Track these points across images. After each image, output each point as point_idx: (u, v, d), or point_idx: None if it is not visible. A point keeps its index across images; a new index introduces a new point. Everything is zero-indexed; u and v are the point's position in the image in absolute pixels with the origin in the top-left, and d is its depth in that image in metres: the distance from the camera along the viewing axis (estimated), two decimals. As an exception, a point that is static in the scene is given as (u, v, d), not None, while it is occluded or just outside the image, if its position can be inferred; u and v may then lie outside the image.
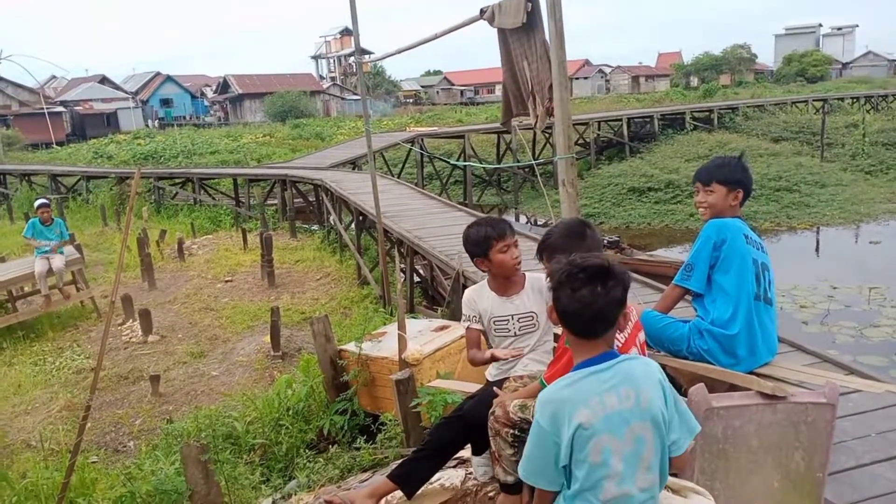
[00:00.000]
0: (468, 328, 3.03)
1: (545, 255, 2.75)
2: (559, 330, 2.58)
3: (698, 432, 2.07)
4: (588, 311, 1.94)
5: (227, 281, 12.21)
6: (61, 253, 10.30)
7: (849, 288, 12.03)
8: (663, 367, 3.24)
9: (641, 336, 2.84)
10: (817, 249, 16.10)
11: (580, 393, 1.91)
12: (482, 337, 3.05)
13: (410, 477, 2.99)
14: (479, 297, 3.03)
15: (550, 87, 4.30)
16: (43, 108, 47.81)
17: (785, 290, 12.00)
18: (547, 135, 23.57)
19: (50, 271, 10.03)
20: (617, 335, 2.68)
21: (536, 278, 2.97)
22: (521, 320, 2.96)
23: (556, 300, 2.01)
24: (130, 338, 9.57)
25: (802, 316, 10.85)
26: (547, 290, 2.65)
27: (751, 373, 3.08)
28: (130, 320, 10.04)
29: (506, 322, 2.97)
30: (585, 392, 1.91)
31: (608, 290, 1.94)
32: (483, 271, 3.03)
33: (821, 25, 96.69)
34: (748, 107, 33.40)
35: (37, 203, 10.70)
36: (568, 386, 1.95)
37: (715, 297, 3.13)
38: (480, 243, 2.94)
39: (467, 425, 2.92)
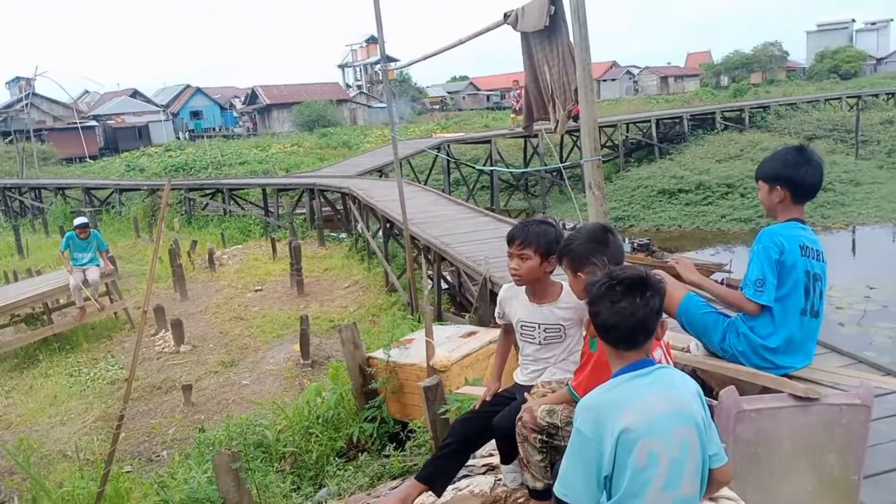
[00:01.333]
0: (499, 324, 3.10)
1: (566, 261, 2.69)
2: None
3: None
4: (628, 322, 1.93)
5: (256, 290, 12.32)
6: (97, 265, 10.43)
7: (886, 288, 11.75)
8: (694, 370, 3.22)
9: (670, 351, 2.81)
10: (853, 249, 15.76)
11: (624, 396, 1.89)
12: (509, 335, 3.08)
13: (437, 475, 2.97)
14: (512, 297, 2.98)
15: (576, 90, 4.27)
16: (76, 123, 48.84)
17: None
18: (574, 138, 23.45)
19: (85, 283, 10.19)
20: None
21: (572, 292, 2.81)
22: (547, 330, 2.89)
23: (595, 314, 2.00)
24: (163, 348, 9.70)
25: (839, 317, 10.62)
26: (583, 304, 2.65)
27: (783, 376, 3.00)
28: (163, 331, 10.17)
29: (532, 329, 2.91)
30: (629, 395, 1.89)
31: (647, 300, 1.93)
32: None
33: (854, 21, 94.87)
34: (780, 105, 32.84)
35: (78, 221, 10.76)
36: (610, 390, 1.94)
37: (764, 317, 2.94)
38: (507, 237, 2.94)
39: (497, 435, 2.88)
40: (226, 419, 6.93)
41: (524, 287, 2.91)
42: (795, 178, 2.90)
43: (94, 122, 53.86)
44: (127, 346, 9.87)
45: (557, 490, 1.98)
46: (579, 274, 2.61)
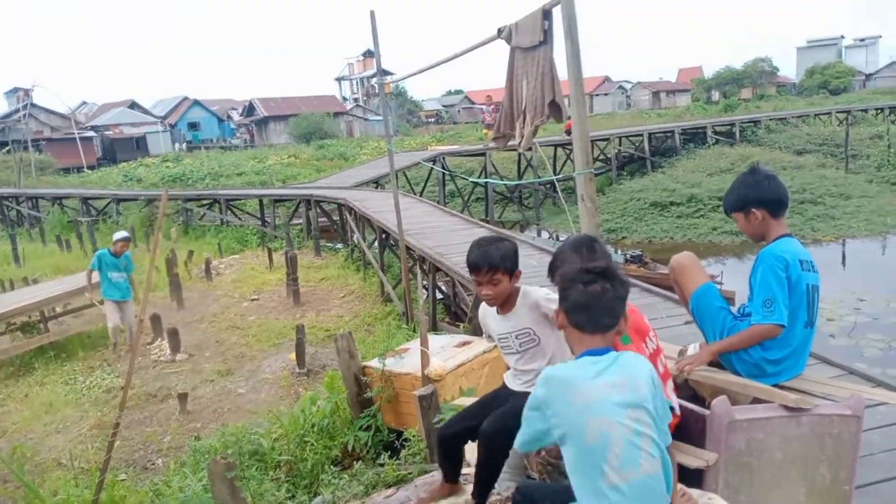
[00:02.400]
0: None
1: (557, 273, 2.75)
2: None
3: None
4: (598, 303, 2.11)
5: (253, 300, 12.35)
6: (131, 298, 9.71)
7: (876, 300, 11.86)
8: (685, 380, 3.28)
9: (663, 359, 2.88)
10: (843, 262, 15.89)
11: (579, 375, 2.03)
12: None
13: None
14: (486, 315, 3.04)
15: (551, 103, 4.33)
16: (74, 133, 48.84)
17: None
18: (567, 151, 23.58)
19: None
20: (643, 347, 2.72)
21: (527, 292, 2.88)
22: (519, 337, 2.94)
23: (566, 297, 2.16)
24: (159, 356, 9.71)
25: (829, 329, 10.70)
26: (543, 301, 2.79)
27: (775, 385, 3.04)
28: (159, 339, 10.19)
29: (507, 339, 2.96)
30: (584, 375, 2.02)
31: (615, 287, 2.12)
32: None
33: (843, 37, 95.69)
34: (770, 120, 33.13)
35: (118, 235, 9.86)
36: (567, 368, 2.10)
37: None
38: (469, 265, 2.89)
39: (484, 441, 2.84)
40: (221, 427, 6.95)
41: None
42: (763, 196, 2.99)
43: (91, 133, 53.90)
44: (123, 354, 9.88)
45: (517, 446, 2.20)
46: None
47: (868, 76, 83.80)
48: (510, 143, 5.02)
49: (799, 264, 2.94)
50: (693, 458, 2.69)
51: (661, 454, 2.01)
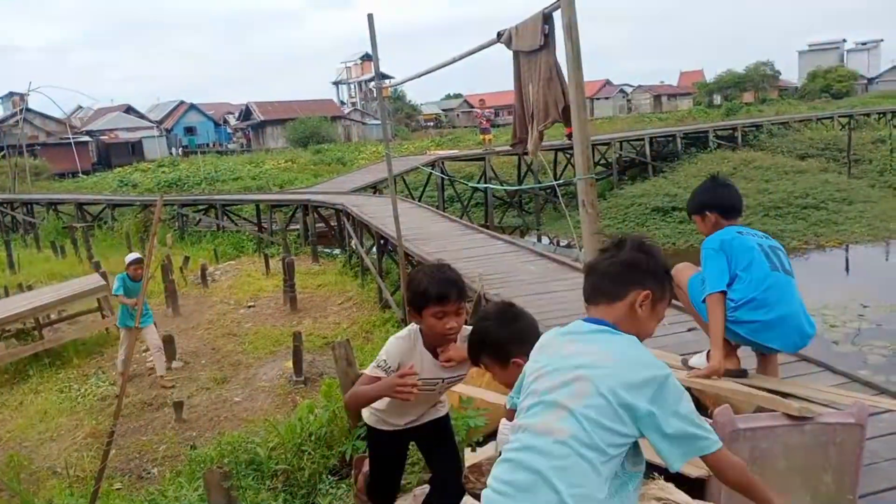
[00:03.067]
0: (369, 374, 2.67)
1: (488, 353, 2.49)
2: None
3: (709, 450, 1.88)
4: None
5: (249, 306, 12.28)
6: (152, 323, 9.12)
7: (880, 307, 11.78)
8: (688, 388, 3.21)
9: None
10: (847, 268, 15.82)
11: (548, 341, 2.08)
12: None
13: None
14: (410, 353, 2.69)
15: (564, 109, 4.28)
16: (69, 138, 48.82)
17: (814, 309, 11.75)
18: (568, 156, 23.55)
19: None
20: None
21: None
22: (449, 382, 2.82)
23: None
24: (154, 364, 9.62)
25: (833, 335, 10.63)
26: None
27: (777, 393, 3.03)
28: (154, 346, 10.10)
29: (435, 385, 2.78)
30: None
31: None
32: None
33: (844, 41, 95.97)
34: (772, 124, 33.09)
35: (130, 258, 9.02)
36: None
37: (735, 286, 3.25)
38: (417, 296, 2.61)
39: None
40: (217, 436, 6.87)
41: (420, 335, 2.72)
42: (717, 202, 3.46)
43: (87, 138, 53.88)
44: (118, 362, 9.80)
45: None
46: (515, 360, 2.37)
47: (870, 80, 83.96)
48: (528, 146, 5.00)
49: (737, 234, 3.31)
50: (695, 467, 2.66)
51: (592, 436, 1.73)
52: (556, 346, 1.99)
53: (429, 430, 3.03)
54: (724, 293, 3.24)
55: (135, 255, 9.28)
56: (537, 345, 2.07)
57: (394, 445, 3.07)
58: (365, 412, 3.02)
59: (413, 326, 2.76)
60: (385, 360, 2.65)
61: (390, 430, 2.97)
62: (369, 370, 2.69)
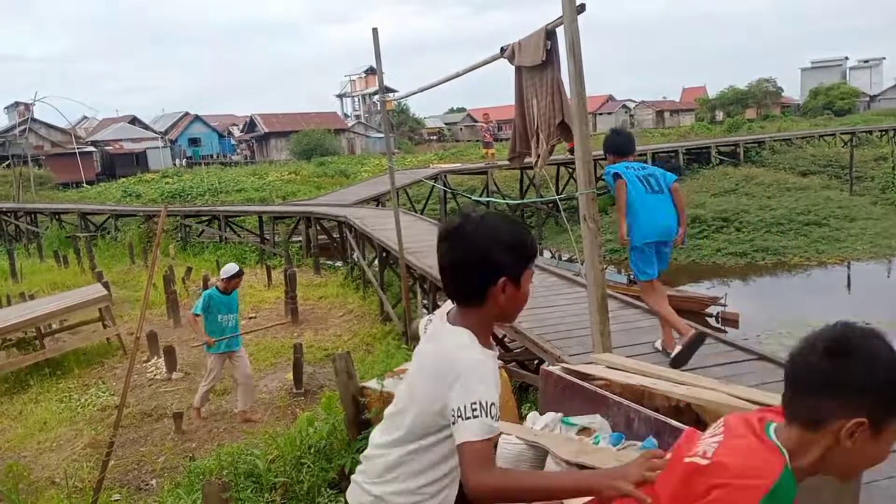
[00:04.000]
0: (481, 439, 1.71)
1: None
2: None
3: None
4: None
5: (251, 317, 12.26)
6: (242, 346, 8.11)
7: (882, 324, 11.72)
8: (688, 404, 3.20)
9: None
10: (849, 285, 15.79)
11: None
12: None
13: None
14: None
15: (560, 124, 4.32)
16: (74, 149, 48.99)
17: (816, 326, 11.68)
18: (570, 170, 23.57)
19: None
20: None
21: None
22: None
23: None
24: (155, 375, 9.62)
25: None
26: None
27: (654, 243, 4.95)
28: (155, 357, 10.10)
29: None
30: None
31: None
32: (488, 304, 1.88)
33: (847, 58, 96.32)
34: (775, 140, 33.21)
35: (230, 271, 7.87)
36: None
37: (629, 223, 4.89)
38: (522, 256, 1.89)
39: None
40: (217, 448, 6.85)
41: (474, 331, 1.92)
42: (612, 146, 5.16)
43: (91, 148, 54.07)
44: (118, 372, 9.78)
45: None
46: None
47: (872, 98, 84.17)
48: (526, 160, 5.10)
49: (624, 168, 4.93)
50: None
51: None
52: None
53: None
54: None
55: (233, 266, 8.07)
56: None
57: None
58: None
59: (463, 330, 1.89)
60: (494, 405, 1.76)
61: None
62: (478, 430, 1.71)
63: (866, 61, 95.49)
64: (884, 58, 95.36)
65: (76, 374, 9.89)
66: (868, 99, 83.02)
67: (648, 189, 4.87)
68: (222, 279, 7.82)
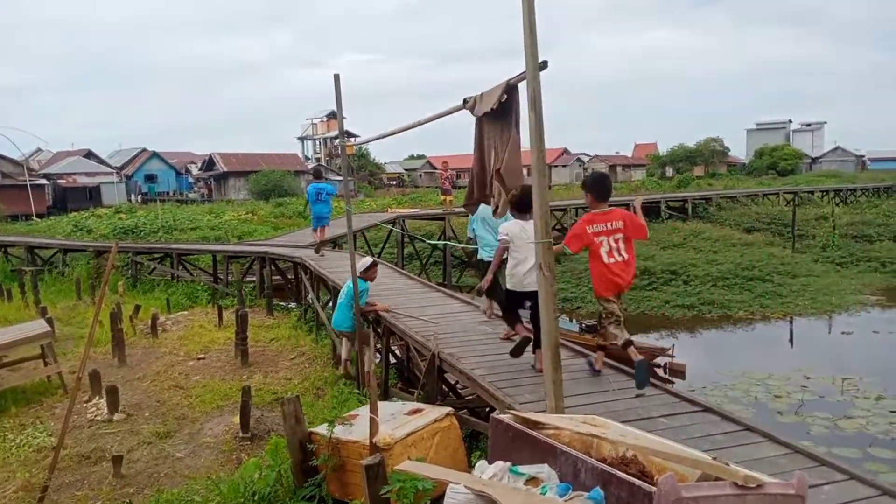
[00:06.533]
0: None
1: None
2: None
3: None
4: None
5: (199, 358, 12.00)
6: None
7: (823, 378, 12.07)
8: (635, 455, 3.25)
9: None
10: (791, 339, 16.22)
11: None
12: None
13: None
14: None
15: (496, 171, 4.52)
16: (26, 181, 47.90)
17: (760, 379, 12.01)
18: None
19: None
20: None
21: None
22: None
23: None
24: (95, 415, 9.29)
25: (777, 406, 10.82)
26: None
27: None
28: (97, 397, 9.77)
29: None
30: None
31: None
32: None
33: (790, 121, 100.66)
34: (721, 197, 34.35)
35: (366, 263, 9.69)
36: None
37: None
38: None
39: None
40: (156, 494, 6.64)
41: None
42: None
43: (43, 181, 52.95)
44: (58, 412, 9.43)
45: None
46: None
47: (814, 160, 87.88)
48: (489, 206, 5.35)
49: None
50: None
51: None
52: None
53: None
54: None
55: (368, 258, 10.11)
56: None
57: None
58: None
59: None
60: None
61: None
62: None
63: (808, 125, 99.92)
64: (825, 122, 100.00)
65: (13, 412, 9.51)
66: (810, 161, 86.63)
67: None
68: (365, 272, 9.48)
